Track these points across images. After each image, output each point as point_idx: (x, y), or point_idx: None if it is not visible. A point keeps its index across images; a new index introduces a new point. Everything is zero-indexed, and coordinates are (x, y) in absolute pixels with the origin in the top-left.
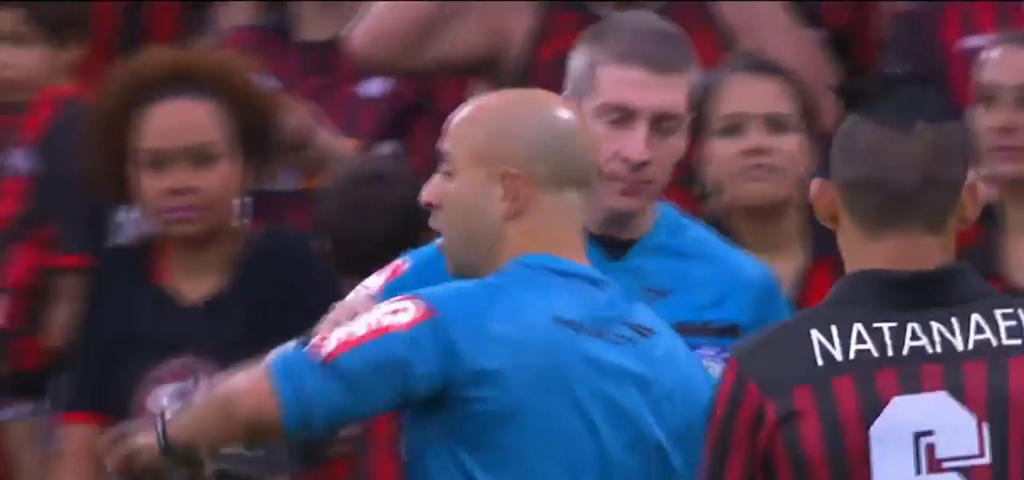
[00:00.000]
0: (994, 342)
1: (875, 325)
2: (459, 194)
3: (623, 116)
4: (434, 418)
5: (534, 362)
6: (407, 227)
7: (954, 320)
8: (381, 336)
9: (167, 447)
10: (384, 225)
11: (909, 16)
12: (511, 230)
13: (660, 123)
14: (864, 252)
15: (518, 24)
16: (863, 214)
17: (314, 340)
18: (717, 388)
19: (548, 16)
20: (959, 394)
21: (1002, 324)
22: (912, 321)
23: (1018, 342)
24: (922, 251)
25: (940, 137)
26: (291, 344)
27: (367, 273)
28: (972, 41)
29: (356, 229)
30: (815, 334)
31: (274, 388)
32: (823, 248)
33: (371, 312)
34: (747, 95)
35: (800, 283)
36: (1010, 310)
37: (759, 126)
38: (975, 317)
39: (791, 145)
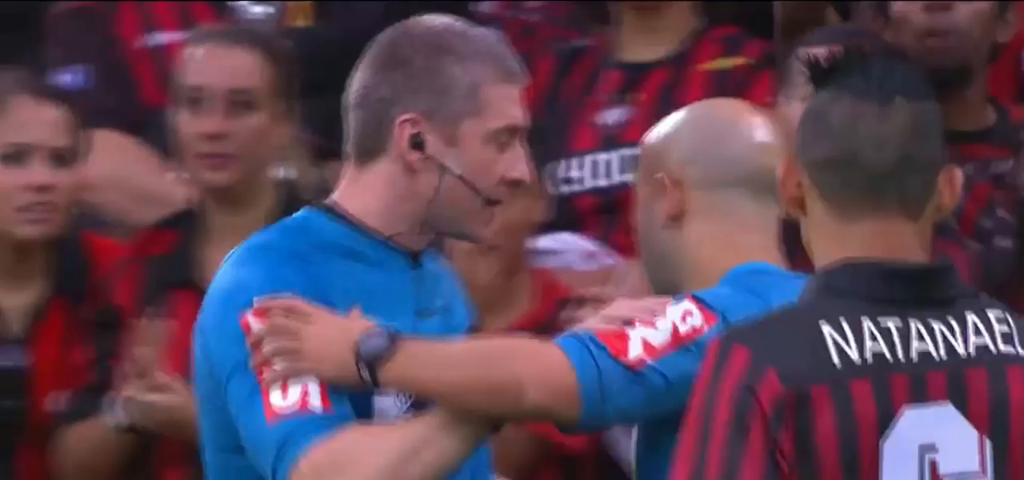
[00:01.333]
0: (992, 349)
1: (883, 323)
2: (637, 209)
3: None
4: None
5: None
6: None
7: (952, 321)
8: (684, 345)
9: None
10: None
11: (82, 11)
12: (681, 237)
13: None
14: (837, 238)
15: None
16: (835, 196)
17: (607, 336)
18: (713, 366)
19: None
20: (963, 406)
21: (997, 328)
22: (913, 318)
23: (1012, 350)
24: (900, 239)
25: (919, 115)
26: (581, 334)
27: None
28: (155, 38)
29: None
30: (827, 329)
31: (576, 385)
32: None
33: (662, 312)
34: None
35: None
36: (1000, 313)
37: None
38: (971, 319)
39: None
